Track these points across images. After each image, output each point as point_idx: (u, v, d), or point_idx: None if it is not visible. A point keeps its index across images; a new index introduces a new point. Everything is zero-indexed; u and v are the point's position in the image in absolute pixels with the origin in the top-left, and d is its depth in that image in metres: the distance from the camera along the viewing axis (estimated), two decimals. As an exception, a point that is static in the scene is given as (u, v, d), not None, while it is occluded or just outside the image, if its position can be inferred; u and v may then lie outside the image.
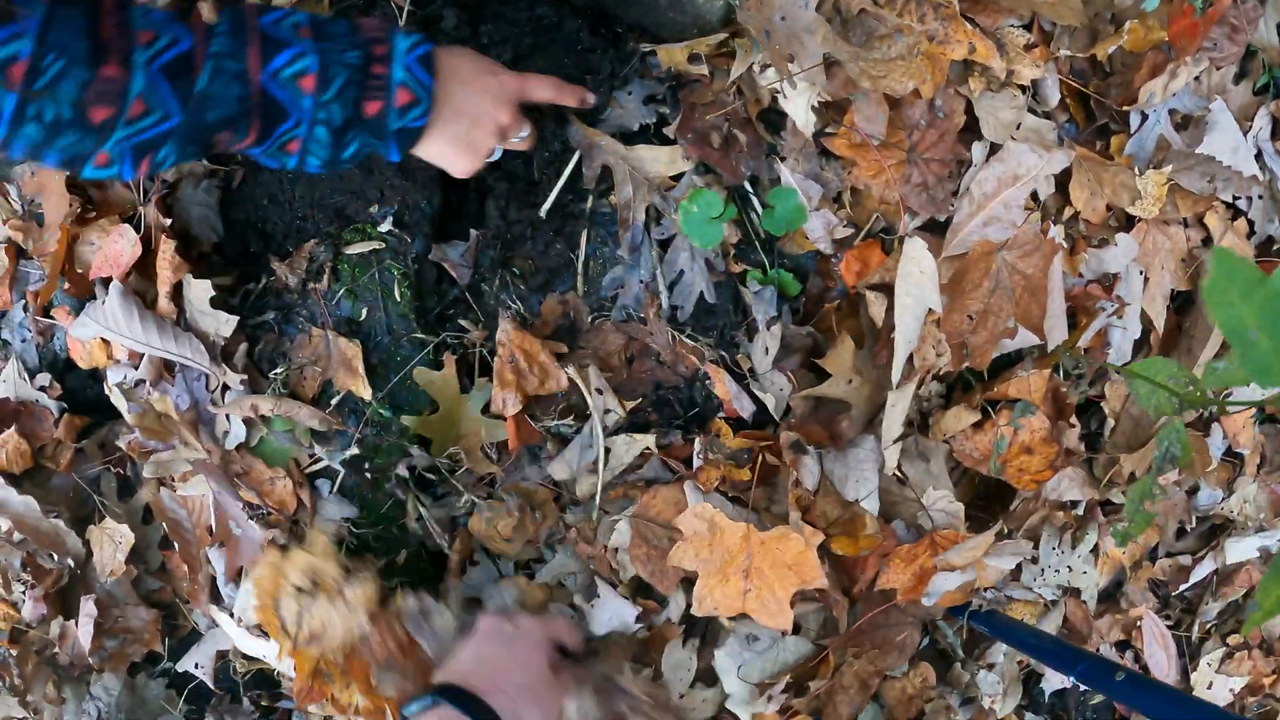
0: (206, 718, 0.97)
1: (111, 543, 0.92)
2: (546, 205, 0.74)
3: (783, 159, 0.71)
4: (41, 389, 0.90)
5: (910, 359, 0.69)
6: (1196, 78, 0.83)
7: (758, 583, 0.70)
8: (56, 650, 0.99)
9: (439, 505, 0.78)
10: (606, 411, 0.76)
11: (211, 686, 0.93)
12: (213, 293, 0.72)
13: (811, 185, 0.70)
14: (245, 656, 0.82)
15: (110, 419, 0.92)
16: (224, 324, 0.72)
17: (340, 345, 0.73)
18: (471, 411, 0.76)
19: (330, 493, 0.78)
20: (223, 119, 0.50)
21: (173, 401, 0.76)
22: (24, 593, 0.98)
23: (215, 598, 0.91)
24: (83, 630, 0.94)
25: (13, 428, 0.88)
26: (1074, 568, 0.90)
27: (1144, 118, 0.79)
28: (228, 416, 0.74)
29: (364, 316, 0.74)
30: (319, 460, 0.76)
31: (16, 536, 0.95)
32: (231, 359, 0.74)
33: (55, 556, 0.94)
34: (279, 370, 0.72)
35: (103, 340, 0.83)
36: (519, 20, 0.75)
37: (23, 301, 0.90)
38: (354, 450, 0.75)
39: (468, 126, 0.58)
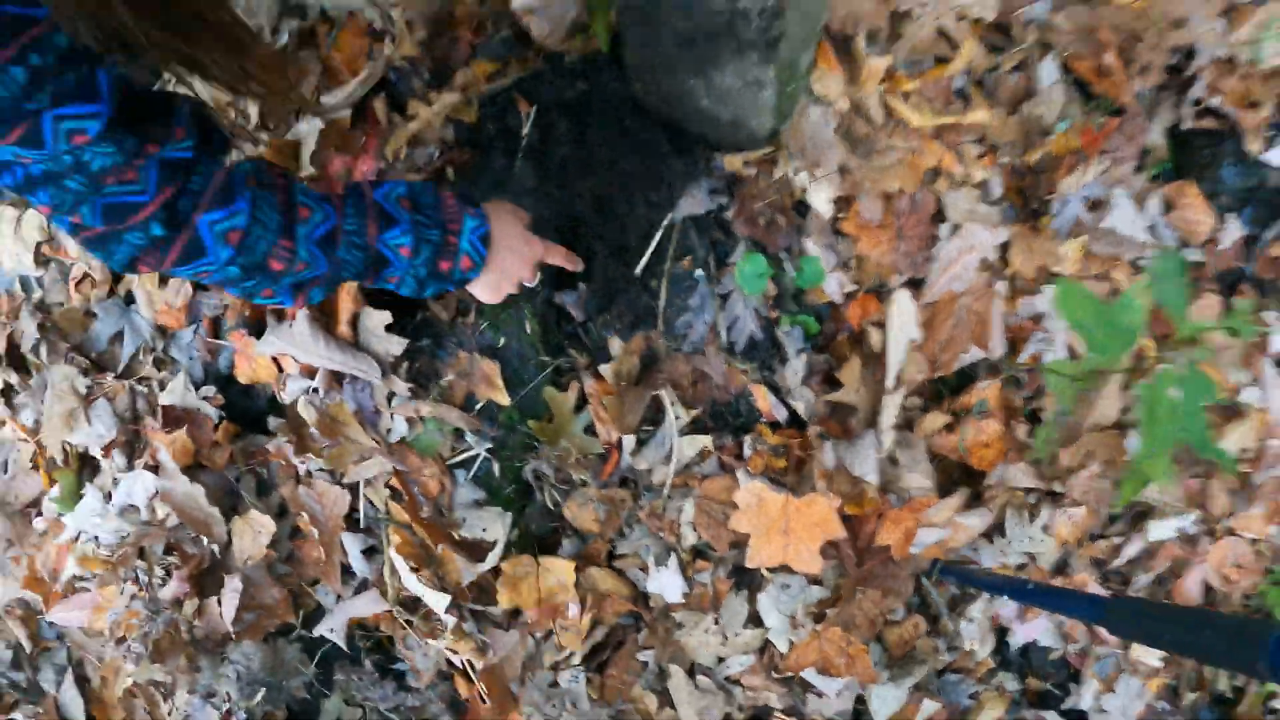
0: (336, 675, 1.26)
1: (252, 531, 1.21)
2: (639, 267, 1.08)
3: (808, 236, 1.08)
4: (205, 399, 1.20)
5: (899, 375, 1.05)
6: (1105, 170, 1.22)
7: (794, 539, 1.04)
8: (195, 624, 1.26)
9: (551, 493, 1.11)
10: (676, 419, 1.10)
11: (344, 647, 1.22)
12: (389, 320, 1.05)
13: (829, 255, 1.06)
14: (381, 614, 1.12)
15: (254, 430, 1.23)
16: (395, 345, 1.05)
17: (483, 364, 1.06)
18: (576, 428, 1.10)
19: (465, 480, 1.11)
20: (352, 273, 0.78)
21: (343, 404, 1.08)
22: (163, 576, 1.26)
23: (347, 575, 1.21)
24: (227, 604, 1.22)
25: (183, 429, 1.18)
26: (1033, 538, 1.26)
27: (1064, 203, 1.17)
28: (392, 416, 1.07)
29: (502, 344, 1.07)
30: (462, 452, 1.08)
31: (172, 522, 1.23)
32: (397, 373, 1.06)
33: (205, 541, 1.23)
34: (442, 381, 1.05)
35: (273, 359, 1.14)
36: (614, 128, 1.10)
37: (194, 325, 1.21)
38: (489, 445, 1.08)
39: (499, 279, 0.88)
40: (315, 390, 1.12)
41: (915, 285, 1.09)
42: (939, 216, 1.09)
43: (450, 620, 1.07)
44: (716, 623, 1.11)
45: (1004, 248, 1.12)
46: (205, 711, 1.27)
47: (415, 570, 1.10)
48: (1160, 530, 1.37)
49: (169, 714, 1.32)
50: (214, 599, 1.24)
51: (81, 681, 1.53)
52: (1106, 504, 1.33)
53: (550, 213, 1.09)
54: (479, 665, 1.10)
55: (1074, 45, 1.10)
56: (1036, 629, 1.33)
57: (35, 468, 1.45)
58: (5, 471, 1.49)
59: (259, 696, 1.22)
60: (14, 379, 1.37)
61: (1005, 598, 1.02)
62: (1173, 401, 0.72)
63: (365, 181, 0.82)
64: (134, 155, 0.61)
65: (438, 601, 1.06)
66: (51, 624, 1.52)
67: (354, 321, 1.07)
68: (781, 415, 1.10)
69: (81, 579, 1.41)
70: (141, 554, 1.28)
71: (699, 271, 1.10)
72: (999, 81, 1.12)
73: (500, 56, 1.07)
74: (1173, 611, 0.70)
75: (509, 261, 0.87)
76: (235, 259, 0.70)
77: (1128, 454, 1.28)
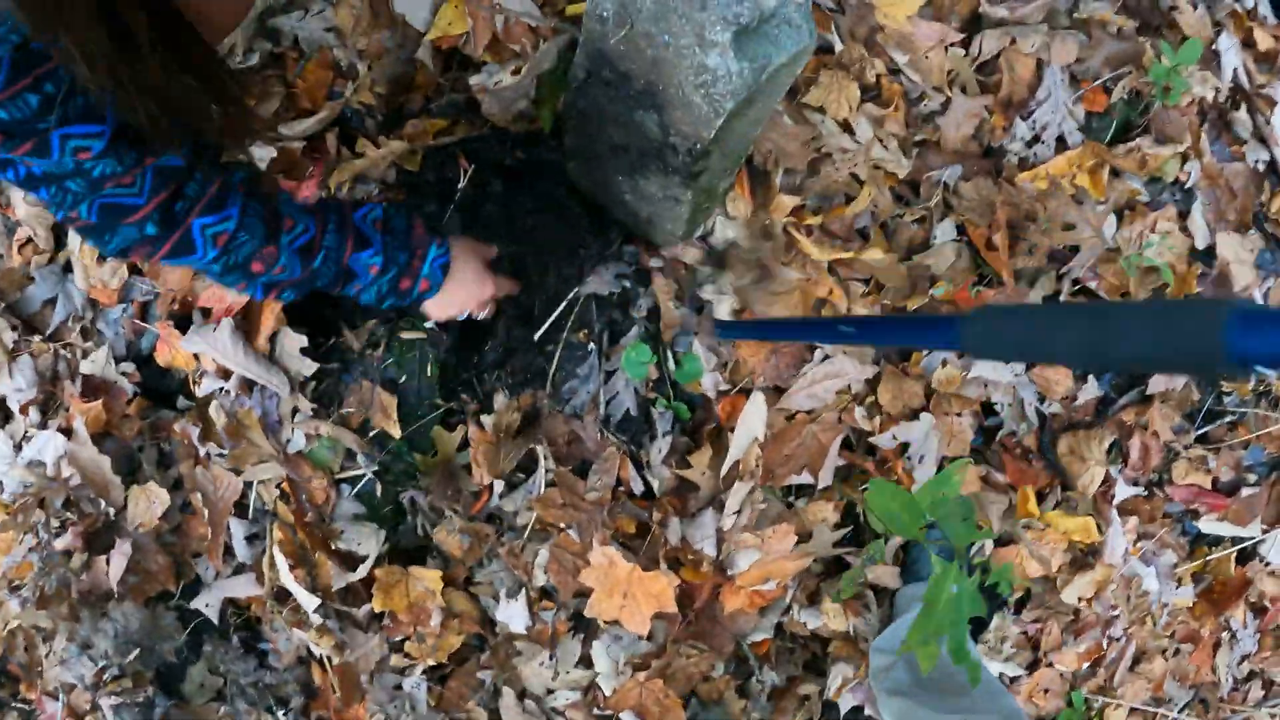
0: (205, 646, 1.45)
1: (148, 500, 1.37)
2: (539, 333, 1.27)
3: (695, 334, 1.28)
4: (124, 374, 1.35)
5: (738, 464, 1.26)
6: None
7: (631, 602, 1.26)
8: (82, 577, 1.42)
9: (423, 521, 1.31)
10: (547, 472, 1.30)
11: (215, 623, 1.41)
12: (305, 344, 1.22)
13: (710, 355, 1.27)
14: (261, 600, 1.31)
15: (163, 407, 1.38)
16: (306, 367, 1.22)
17: (382, 396, 1.25)
18: (457, 465, 1.29)
19: (349, 495, 1.30)
20: (323, 283, 0.94)
21: (251, 411, 1.26)
22: (58, 528, 1.41)
23: (229, 555, 1.39)
24: (115, 565, 1.38)
25: (100, 400, 1.34)
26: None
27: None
28: (293, 429, 1.25)
29: (403, 381, 1.25)
30: (350, 471, 1.27)
31: (75, 481, 1.39)
32: (304, 391, 1.24)
33: (103, 503, 1.39)
34: (344, 405, 1.24)
35: (194, 354, 1.30)
36: (542, 199, 1.28)
37: (124, 305, 1.36)
38: (376, 468, 1.27)
39: (448, 303, 1.04)
40: (227, 391, 1.28)
41: (777, 392, 1.30)
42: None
43: (316, 620, 1.26)
44: (552, 658, 1.33)
45: (873, 382, 1.34)
46: (81, 661, 1.44)
47: (293, 568, 1.28)
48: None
49: (46, 656, 1.49)
50: (102, 557, 1.41)
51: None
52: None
53: (469, 265, 1.26)
54: (336, 660, 1.31)
55: (973, 214, 1.30)
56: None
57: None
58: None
59: (132, 655, 1.40)
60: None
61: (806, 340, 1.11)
62: (949, 599, 0.91)
63: (346, 201, 0.97)
64: (134, 166, 0.73)
65: (308, 601, 1.25)
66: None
67: (273, 337, 1.23)
68: (638, 488, 1.31)
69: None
70: (42, 504, 1.44)
71: (592, 345, 1.29)
72: (900, 228, 1.32)
73: (451, 117, 1.23)
74: (1048, 312, 0.51)
75: (460, 293, 1.05)
76: (219, 259, 0.84)
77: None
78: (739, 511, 1.28)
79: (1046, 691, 1.61)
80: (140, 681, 1.44)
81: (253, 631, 1.45)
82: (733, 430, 1.28)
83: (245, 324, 1.26)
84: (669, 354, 1.29)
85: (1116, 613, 1.62)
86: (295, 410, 1.25)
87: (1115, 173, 1.35)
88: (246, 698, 1.47)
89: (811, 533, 1.33)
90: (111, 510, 1.39)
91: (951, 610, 1.00)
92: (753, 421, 1.24)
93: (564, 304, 1.28)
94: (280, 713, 1.46)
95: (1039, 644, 1.61)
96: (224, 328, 1.24)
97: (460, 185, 1.27)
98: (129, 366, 1.35)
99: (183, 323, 1.30)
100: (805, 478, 1.25)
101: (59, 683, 1.50)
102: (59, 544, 1.41)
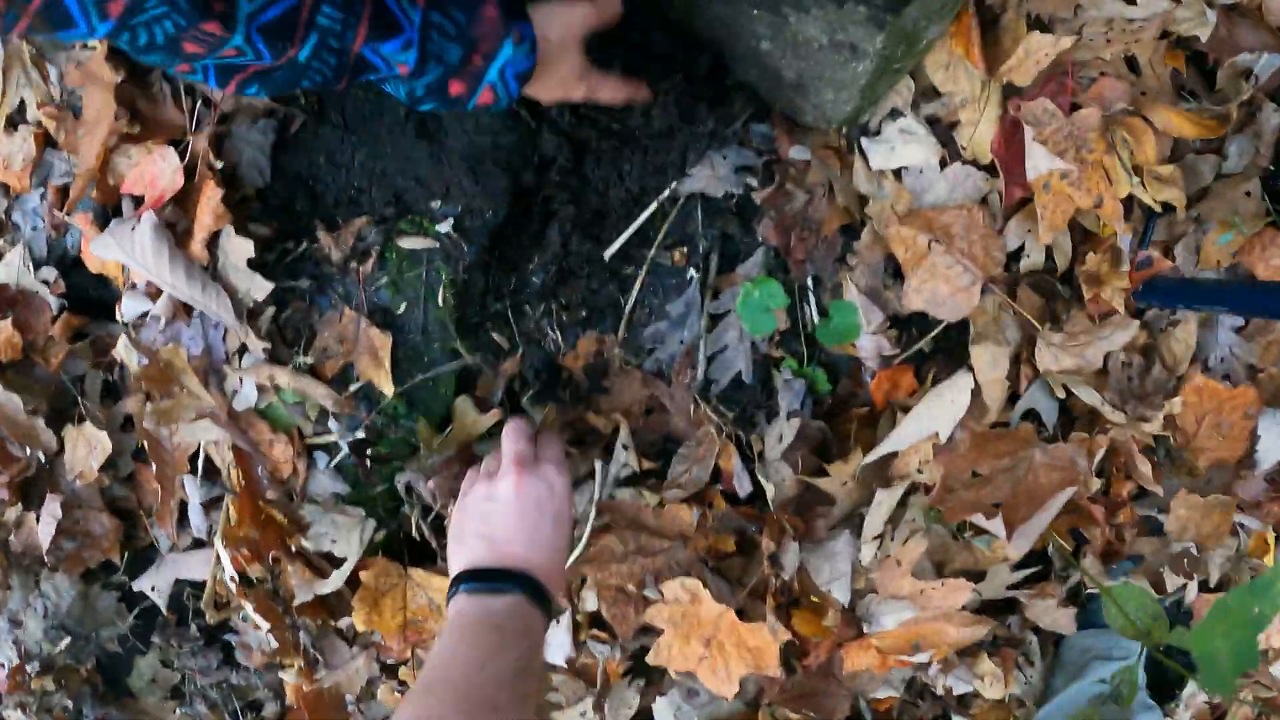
0: (153, 636, 1.11)
1: (87, 446, 1.01)
2: (612, 249, 0.84)
3: (851, 268, 0.84)
4: (45, 283, 0.97)
5: (893, 462, 0.85)
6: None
7: (716, 653, 0.87)
8: (11, 537, 1.09)
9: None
10: (624, 465, 0.90)
11: (164, 610, 1.06)
12: (252, 254, 0.81)
13: (873, 309, 0.83)
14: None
15: (108, 320, 1.00)
16: (258, 287, 0.82)
17: (371, 334, 0.84)
18: (478, 451, 0.89)
19: (326, 467, 0.91)
20: (315, 82, 0.59)
21: (185, 346, 0.86)
22: None
23: (183, 521, 1.02)
24: (44, 527, 1.04)
25: (8, 319, 0.96)
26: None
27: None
28: (241, 379, 0.85)
29: (401, 310, 0.84)
30: (322, 435, 0.88)
31: None
32: (257, 321, 0.83)
33: (27, 450, 1.03)
34: (307, 357, 0.83)
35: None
36: (633, 42, 0.80)
37: (41, 190, 0.96)
38: (360, 435, 0.87)
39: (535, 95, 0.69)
40: (156, 318, 0.88)
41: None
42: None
43: (272, 643, 0.90)
44: (598, 708, 0.96)
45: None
46: (6, 641, 1.12)
47: (249, 561, 0.91)
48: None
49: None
50: (36, 513, 1.07)
51: None
52: None
53: (510, 141, 0.83)
54: (305, 687, 0.95)
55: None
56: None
57: None
58: None
59: (62, 645, 1.07)
60: None
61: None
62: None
63: None
64: None
65: (259, 620, 0.89)
66: None
67: (213, 241, 0.82)
68: (743, 490, 0.90)
69: None
70: (-35, 442, 1.09)
71: (693, 272, 0.86)
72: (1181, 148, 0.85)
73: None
74: None
75: (543, 93, 0.70)
76: (119, 34, 0.51)
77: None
78: (881, 537, 0.87)
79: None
80: (70, 680, 1.13)
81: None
82: (899, 413, 0.86)
83: (176, 213, 0.85)
84: (810, 296, 0.86)
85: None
86: (242, 349, 0.84)
87: None
88: (208, 700, 1.16)
89: (984, 572, 0.92)
90: (42, 455, 1.04)
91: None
92: (942, 409, 0.81)
93: (653, 206, 0.84)
94: (249, 721, 1.14)
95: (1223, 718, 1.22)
96: (145, 225, 0.83)
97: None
98: (50, 273, 0.98)
99: (107, 217, 0.91)
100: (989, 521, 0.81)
101: (-6, 655, 1.18)
102: (-14, 494, 1.06)
